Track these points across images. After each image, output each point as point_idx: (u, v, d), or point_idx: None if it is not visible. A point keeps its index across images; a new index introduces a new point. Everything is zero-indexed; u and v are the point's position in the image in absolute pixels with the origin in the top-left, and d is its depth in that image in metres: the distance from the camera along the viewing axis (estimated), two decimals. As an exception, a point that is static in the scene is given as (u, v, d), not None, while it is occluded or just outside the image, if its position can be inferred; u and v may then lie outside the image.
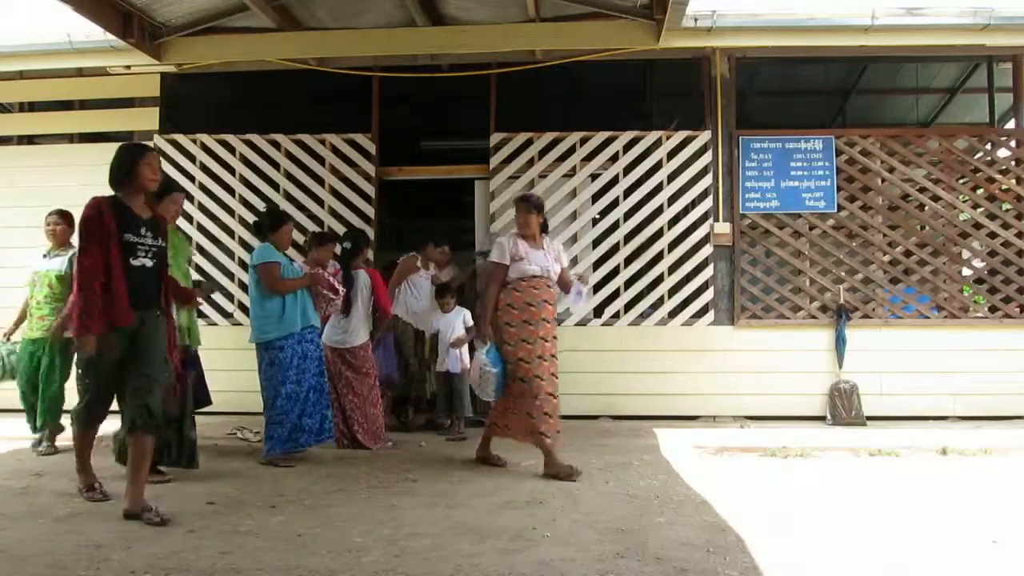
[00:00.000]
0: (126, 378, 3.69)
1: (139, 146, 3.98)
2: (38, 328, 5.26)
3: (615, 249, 6.84)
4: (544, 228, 4.84)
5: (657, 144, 6.84)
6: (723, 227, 6.72)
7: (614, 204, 6.83)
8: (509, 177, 6.95)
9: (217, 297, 7.03)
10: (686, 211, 6.84)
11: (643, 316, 6.79)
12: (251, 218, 7.02)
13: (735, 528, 3.43)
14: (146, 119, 7.24)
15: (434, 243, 6.57)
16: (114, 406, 3.81)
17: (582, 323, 6.76)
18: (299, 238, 6.82)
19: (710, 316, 6.71)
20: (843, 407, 6.39)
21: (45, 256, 5.39)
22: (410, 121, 8.44)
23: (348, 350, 5.45)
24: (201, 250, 7.11)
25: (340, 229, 6.90)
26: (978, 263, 6.89)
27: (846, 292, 6.69)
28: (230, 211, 7.09)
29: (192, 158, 7.12)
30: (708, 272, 6.70)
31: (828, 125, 8.50)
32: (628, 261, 6.81)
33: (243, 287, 7.02)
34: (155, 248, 3.76)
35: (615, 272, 6.81)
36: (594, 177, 6.92)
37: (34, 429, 5.31)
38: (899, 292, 6.79)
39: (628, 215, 6.82)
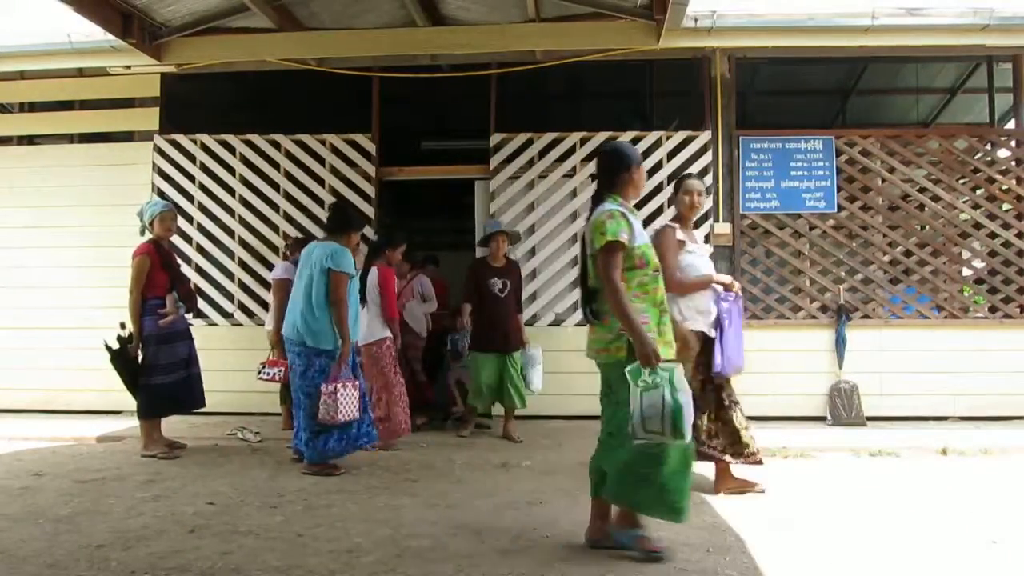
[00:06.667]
0: None
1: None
2: None
3: (615, 249, 6.81)
4: None
5: (657, 144, 6.84)
6: (723, 227, 6.72)
7: (614, 204, 6.81)
8: (509, 177, 6.95)
9: (217, 297, 7.03)
10: (686, 211, 6.82)
11: (643, 316, 6.77)
12: (251, 218, 7.03)
13: (735, 528, 3.44)
14: (146, 119, 7.23)
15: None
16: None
17: (582, 323, 6.74)
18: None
19: (710, 316, 6.70)
20: (843, 407, 6.39)
21: None
22: (410, 121, 8.42)
23: (364, 347, 5.38)
24: (201, 250, 7.10)
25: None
26: (978, 263, 6.88)
27: (846, 292, 6.69)
28: (230, 211, 7.08)
29: (192, 158, 7.12)
30: (708, 272, 6.69)
31: (828, 125, 8.48)
32: (628, 261, 6.79)
33: (243, 287, 7.02)
34: None
35: (615, 272, 6.78)
36: (594, 177, 6.90)
37: None
38: (899, 292, 6.78)
39: (628, 215, 6.80)
